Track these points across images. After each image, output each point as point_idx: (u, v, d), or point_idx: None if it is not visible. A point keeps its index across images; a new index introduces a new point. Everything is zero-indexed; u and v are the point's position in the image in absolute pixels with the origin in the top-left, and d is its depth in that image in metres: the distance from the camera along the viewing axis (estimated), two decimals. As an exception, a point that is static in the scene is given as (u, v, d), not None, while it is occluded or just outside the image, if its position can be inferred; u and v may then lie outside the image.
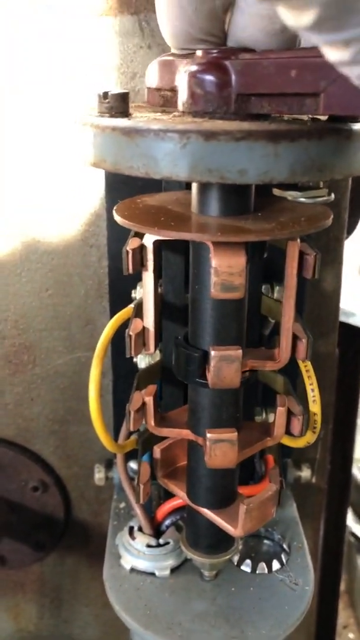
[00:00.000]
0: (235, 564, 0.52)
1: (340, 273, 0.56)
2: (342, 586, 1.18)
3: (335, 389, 0.68)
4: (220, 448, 0.41)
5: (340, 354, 0.69)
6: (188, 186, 0.41)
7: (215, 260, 0.36)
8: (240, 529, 0.43)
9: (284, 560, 0.53)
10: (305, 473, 0.61)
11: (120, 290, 0.53)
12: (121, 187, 0.50)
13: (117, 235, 0.51)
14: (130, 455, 0.54)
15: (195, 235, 0.34)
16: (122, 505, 0.58)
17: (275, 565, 0.52)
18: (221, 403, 0.42)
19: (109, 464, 0.61)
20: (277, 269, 0.45)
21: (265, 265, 0.50)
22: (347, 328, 0.70)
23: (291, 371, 0.48)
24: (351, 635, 1.14)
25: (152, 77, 0.40)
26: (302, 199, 0.35)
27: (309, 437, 0.47)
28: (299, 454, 0.62)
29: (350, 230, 0.72)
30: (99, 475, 0.60)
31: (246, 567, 0.52)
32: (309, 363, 0.45)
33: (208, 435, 0.41)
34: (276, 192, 0.35)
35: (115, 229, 0.48)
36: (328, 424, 0.63)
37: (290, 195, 0.35)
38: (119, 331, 0.46)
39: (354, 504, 1.00)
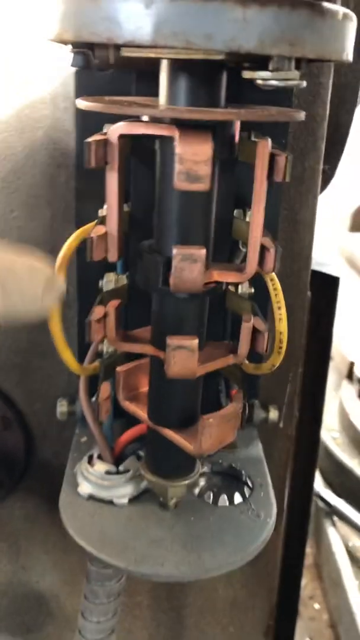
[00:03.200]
0: (197, 496, 0.51)
1: (315, 206, 0.55)
2: (310, 559, 1.18)
3: (309, 337, 0.67)
4: (180, 355, 0.39)
5: (314, 303, 0.68)
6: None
7: (180, 147, 0.34)
8: (198, 446, 0.42)
9: (247, 495, 0.51)
10: (273, 415, 0.60)
11: (87, 213, 0.51)
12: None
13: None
14: (94, 392, 0.52)
15: (155, 111, 0.32)
16: (84, 439, 0.56)
17: (237, 498, 0.51)
18: (184, 312, 0.41)
19: (72, 400, 0.59)
20: (250, 195, 0.44)
21: (238, 189, 0.48)
22: (321, 277, 0.69)
23: (260, 303, 0.47)
24: (317, 606, 1.13)
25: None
26: (273, 81, 0.33)
27: (274, 359, 0.45)
28: (266, 395, 0.61)
29: (327, 180, 0.71)
30: (61, 409, 0.58)
31: (207, 498, 0.51)
32: (276, 280, 0.44)
33: (168, 341, 0.39)
34: (246, 74, 0.34)
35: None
36: (297, 367, 0.62)
37: (260, 75, 0.33)
38: (84, 262, 0.43)
39: (324, 470, 0.99)
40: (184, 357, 0.39)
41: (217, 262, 0.43)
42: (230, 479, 0.54)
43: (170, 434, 0.44)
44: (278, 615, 0.80)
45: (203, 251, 0.37)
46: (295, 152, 0.53)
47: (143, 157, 0.44)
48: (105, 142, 0.38)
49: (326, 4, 0.31)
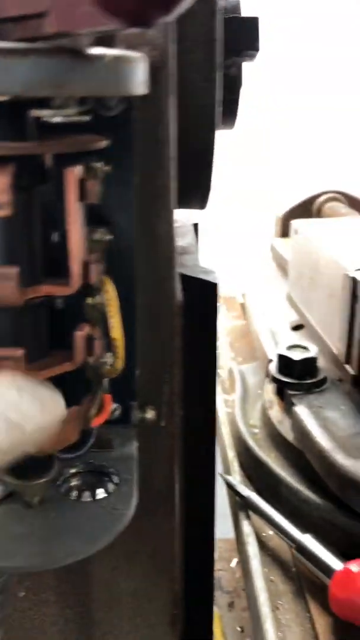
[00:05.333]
0: (63, 494, 0.55)
1: (171, 220, 0.59)
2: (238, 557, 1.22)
3: (192, 340, 0.71)
4: (6, 365, 0.43)
5: (197, 308, 0.72)
6: None
7: (-21, 178, 0.38)
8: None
9: (110, 490, 0.55)
10: (149, 414, 0.64)
11: None
12: None
13: None
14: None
15: None
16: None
17: (100, 494, 0.54)
18: (12, 324, 0.45)
19: None
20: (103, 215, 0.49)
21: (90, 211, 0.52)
22: (206, 285, 0.73)
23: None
24: (249, 597, 1.17)
25: None
26: (56, 118, 0.37)
27: (116, 364, 0.50)
28: (145, 397, 0.64)
29: (205, 195, 0.75)
30: None
31: (73, 496, 0.54)
32: (110, 292, 0.48)
33: (-6, 352, 0.43)
34: (35, 112, 0.38)
35: None
36: (172, 369, 0.66)
37: (44, 114, 0.37)
38: None
39: (243, 465, 1.04)
40: (9, 366, 0.43)
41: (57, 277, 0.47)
42: (100, 476, 0.58)
43: (17, 437, 0.48)
44: (192, 606, 0.84)
45: (14, 270, 0.41)
46: (146, 173, 0.57)
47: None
48: None
49: (91, 50, 0.36)
